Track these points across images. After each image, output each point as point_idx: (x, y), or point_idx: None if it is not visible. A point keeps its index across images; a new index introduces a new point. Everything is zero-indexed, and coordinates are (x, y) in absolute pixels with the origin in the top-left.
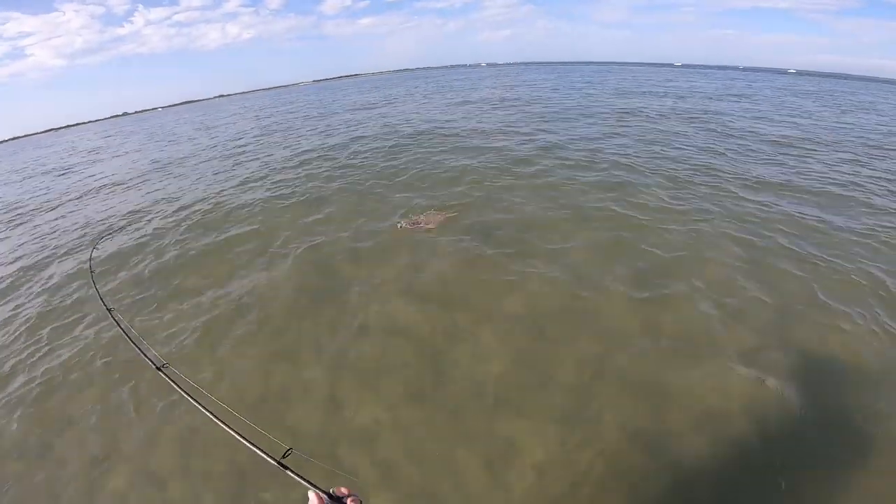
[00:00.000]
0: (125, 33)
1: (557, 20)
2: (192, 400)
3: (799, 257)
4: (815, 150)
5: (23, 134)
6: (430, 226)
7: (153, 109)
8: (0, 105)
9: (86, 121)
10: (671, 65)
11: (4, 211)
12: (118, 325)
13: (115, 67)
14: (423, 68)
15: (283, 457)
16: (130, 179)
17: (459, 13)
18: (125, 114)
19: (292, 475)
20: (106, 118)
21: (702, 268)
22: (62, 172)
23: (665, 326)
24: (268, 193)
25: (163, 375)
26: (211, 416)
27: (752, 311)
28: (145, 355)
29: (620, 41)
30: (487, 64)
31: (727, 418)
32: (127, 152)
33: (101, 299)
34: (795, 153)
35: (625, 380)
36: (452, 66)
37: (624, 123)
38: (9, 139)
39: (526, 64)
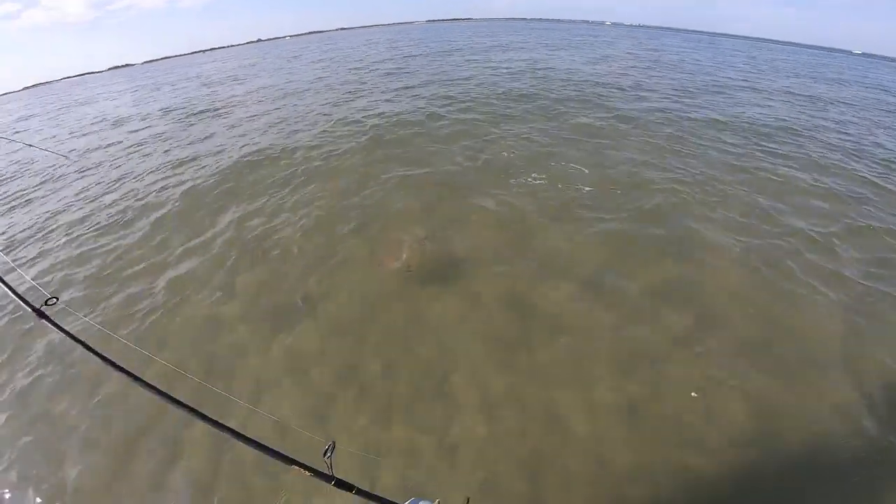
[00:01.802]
0: None
1: None
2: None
3: None
4: None
5: (174, 54)
6: None
7: (283, 38)
8: (160, 30)
9: (227, 45)
10: (848, 52)
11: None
12: None
13: None
14: (536, 19)
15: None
16: None
17: None
18: (259, 40)
19: None
20: (244, 43)
21: None
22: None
23: None
24: None
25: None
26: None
27: None
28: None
29: (779, 17)
30: (612, 23)
31: None
32: None
33: None
34: None
35: None
36: (570, 21)
37: None
38: (161, 58)
39: (657, 28)
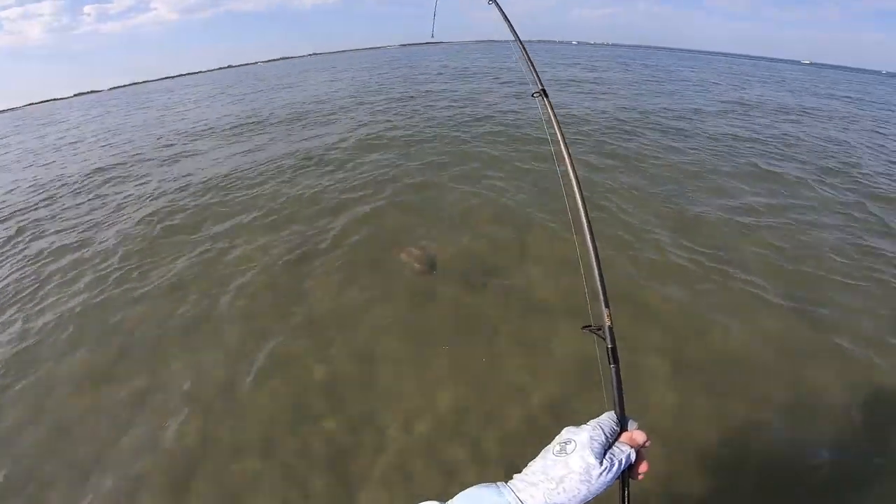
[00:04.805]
0: None
1: (662, 5)
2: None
3: None
4: None
5: (142, 80)
6: None
7: (255, 63)
8: (124, 54)
9: (195, 71)
10: (797, 62)
11: None
12: None
13: (222, 23)
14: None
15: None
16: None
17: None
18: (230, 66)
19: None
20: (214, 69)
21: None
22: None
23: None
24: None
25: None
26: None
27: None
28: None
29: (736, 31)
30: (578, 42)
31: None
32: None
33: None
34: None
35: None
36: (540, 41)
37: None
38: (129, 84)
39: (627, 47)
